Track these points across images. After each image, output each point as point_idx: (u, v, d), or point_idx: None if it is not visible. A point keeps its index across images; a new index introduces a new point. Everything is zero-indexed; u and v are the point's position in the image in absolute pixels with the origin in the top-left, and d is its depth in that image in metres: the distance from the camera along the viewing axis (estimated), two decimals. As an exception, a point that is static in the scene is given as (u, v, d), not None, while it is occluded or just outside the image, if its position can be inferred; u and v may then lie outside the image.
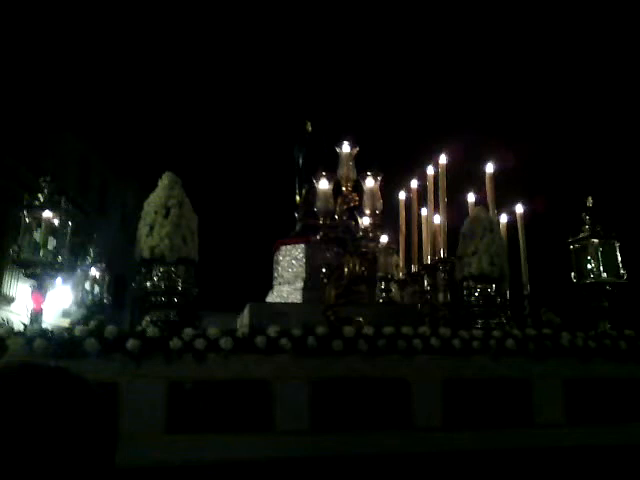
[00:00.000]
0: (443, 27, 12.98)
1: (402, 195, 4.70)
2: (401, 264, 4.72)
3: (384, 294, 4.72)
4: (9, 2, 11.44)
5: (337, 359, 3.10)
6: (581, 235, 4.22)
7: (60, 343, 2.81)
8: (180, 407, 2.92)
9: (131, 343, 2.83)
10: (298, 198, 5.32)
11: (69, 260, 3.71)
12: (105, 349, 2.84)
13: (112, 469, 0.90)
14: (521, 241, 4.32)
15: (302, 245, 4.87)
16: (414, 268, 4.46)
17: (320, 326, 3.14)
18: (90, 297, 5.30)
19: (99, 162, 17.31)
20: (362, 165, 3.79)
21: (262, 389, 2.99)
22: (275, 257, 5.06)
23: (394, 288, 4.79)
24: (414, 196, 4.52)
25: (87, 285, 5.33)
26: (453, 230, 4.09)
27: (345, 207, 3.65)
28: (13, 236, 3.76)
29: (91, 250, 5.59)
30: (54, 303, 6.03)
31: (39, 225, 3.49)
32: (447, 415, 3.19)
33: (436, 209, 4.19)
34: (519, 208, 4.45)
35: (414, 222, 4.48)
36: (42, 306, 3.46)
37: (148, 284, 3.28)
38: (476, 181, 4.43)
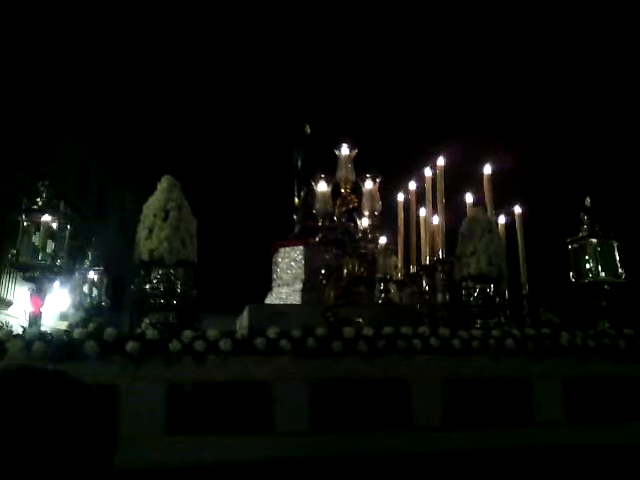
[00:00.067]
0: (441, 29, 13.01)
1: (401, 196, 4.71)
2: (400, 265, 4.73)
3: (383, 295, 4.72)
4: (9, 6, 11.45)
5: (337, 360, 3.10)
6: (579, 235, 4.22)
7: (59, 346, 2.81)
8: (180, 409, 2.92)
9: (130, 345, 2.84)
10: (297, 200, 5.33)
11: (68, 263, 3.71)
12: (104, 352, 2.85)
13: (111, 471, 0.90)
14: (519, 241, 4.33)
15: (301, 247, 4.88)
16: (413, 269, 4.47)
17: (320, 327, 3.15)
18: (88, 300, 5.29)
19: (97, 166, 17.32)
20: (361, 167, 3.80)
21: (262, 390, 3.00)
22: (274, 259, 5.07)
23: (393, 289, 4.80)
24: (412, 197, 4.53)
25: (85, 288, 5.32)
26: (451, 231, 4.10)
27: (344, 209, 3.65)
28: (11, 240, 3.76)
29: (89, 253, 5.59)
30: (52, 306, 6.02)
31: (38, 229, 3.49)
32: (447, 415, 3.19)
33: (434, 210, 4.20)
34: (517, 208, 4.46)
35: (412, 223, 4.49)
36: (41, 309, 3.46)
37: (147, 287, 3.28)
38: (474, 182, 4.45)
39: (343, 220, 3.68)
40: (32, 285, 3.50)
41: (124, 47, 14.04)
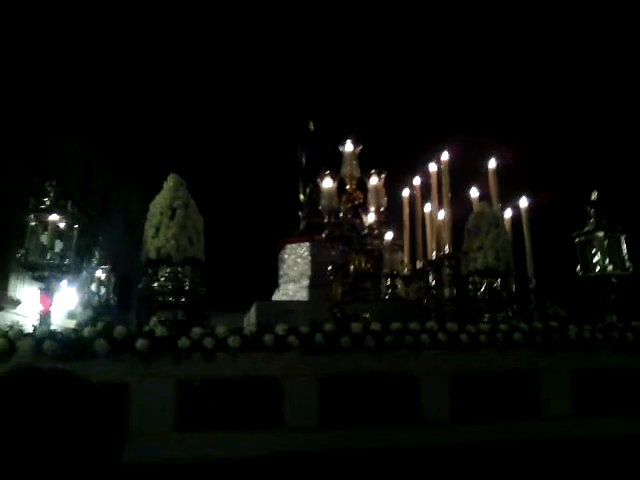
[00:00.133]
0: (444, 24, 12.96)
1: (406, 192, 4.71)
2: (406, 260, 4.73)
3: (390, 290, 4.73)
4: (12, 7, 11.48)
5: (345, 355, 3.11)
6: (586, 228, 4.21)
7: (69, 345, 2.83)
8: (189, 405, 2.94)
9: (140, 343, 2.85)
10: (302, 197, 5.33)
11: (75, 262, 3.73)
12: (114, 350, 2.86)
13: (118, 469, 0.91)
14: (526, 235, 4.32)
15: (307, 243, 4.89)
16: (419, 264, 4.47)
17: (327, 323, 3.15)
18: (96, 298, 5.33)
19: (101, 166, 17.37)
20: (366, 163, 3.80)
21: (271, 386, 3.01)
22: (280, 255, 5.08)
23: (400, 284, 4.80)
24: (418, 193, 4.53)
25: (93, 287, 5.36)
26: (457, 226, 4.10)
27: (349, 205, 3.65)
28: (19, 239, 3.78)
29: (96, 252, 5.62)
30: (60, 305, 6.06)
31: (46, 228, 3.51)
32: (455, 409, 3.20)
33: (440, 205, 4.20)
34: (523, 202, 4.45)
35: (418, 218, 4.49)
36: (50, 308, 3.49)
37: (155, 285, 3.30)
38: (479, 176, 4.44)
39: (349, 216, 3.68)
40: (41, 284, 3.52)
41: (127, 46, 14.05)
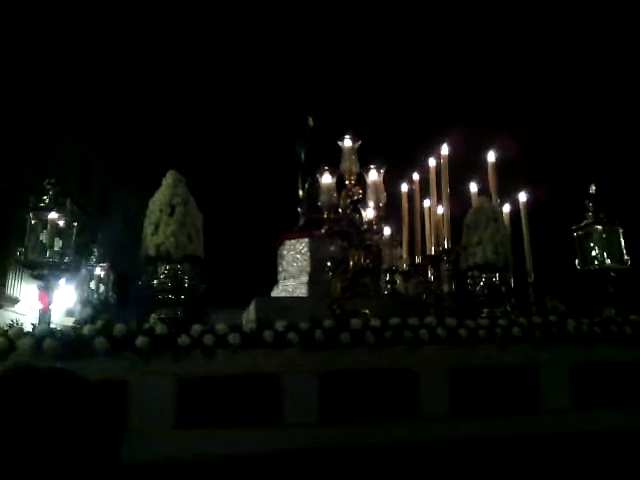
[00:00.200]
0: (442, 17, 12.93)
1: (404, 187, 4.71)
2: (405, 255, 4.73)
3: (389, 286, 4.73)
4: (10, 6, 11.43)
5: (344, 351, 3.11)
6: (584, 222, 4.21)
7: (69, 343, 2.83)
8: (189, 403, 2.94)
9: (140, 341, 2.85)
10: (301, 193, 5.33)
11: (75, 260, 3.73)
12: (114, 347, 2.86)
13: (117, 468, 0.91)
14: (524, 229, 4.33)
15: (306, 239, 4.89)
16: (418, 259, 4.48)
17: (327, 319, 3.16)
18: (95, 296, 5.33)
19: (100, 164, 17.36)
20: (364, 158, 3.79)
21: (271, 383, 3.02)
22: (279, 252, 5.08)
23: (399, 280, 4.81)
24: (416, 188, 4.53)
25: (92, 284, 5.36)
26: (456, 220, 4.10)
27: (349, 200, 3.65)
28: (18, 238, 3.78)
29: (95, 250, 5.62)
30: (58, 303, 6.07)
31: (45, 227, 3.51)
32: (454, 404, 3.21)
33: (439, 200, 4.20)
34: (522, 196, 4.45)
35: (417, 213, 4.49)
36: (49, 306, 3.49)
37: (155, 282, 3.30)
38: (478, 170, 4.44)
39: (348, 212, 3.68)
40: (40, 282, 3.52)
41: (125, 45, 14.01)
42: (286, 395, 3.01)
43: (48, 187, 3.61)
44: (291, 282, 4.80)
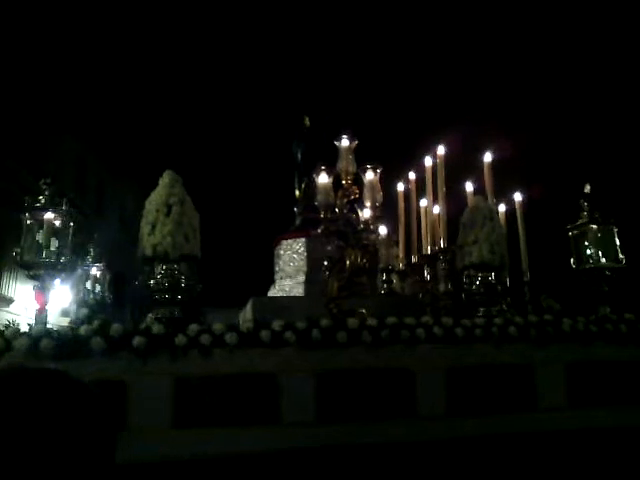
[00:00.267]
0: (438, 18, 12.94)
1: (400, 186, 4.72)
2: (401, 255, 4.74)
3: (385, 285, 4.74)
4: (8, 6, 11.40)
5: (341, 351, 3.12)
6: (580, 221, 4.24)
7: (66, 343, 2.82)
8: (187, 402, 2.94)
9: (137, 340, 2.85)
10: (298, 193, 5.33)
11: (71, 260, 3.72)
12: (111, 347, 2.86)
13: (111, 469, 0.91)
14: (520, 229, 4.35)
15: (302, 239, 4.89)
16: (414, 259, 4.49)
17: (324, 319, 3.16)
18: (92, 296, 5.32)
19: (96, 163, 17.31)
20: (361, 158, 3.80)
21: (268, 382, 3.02)
22: (276, 251, 5.08)
23: (395, 279, 4.82)
24: (412, 187, 4.54)
25: (88, 284, 5.35)
26: (452, 220, 4.11)
27: (345, 200, 3.66)
28: (13, 238, 3.77)
29: (91, 250, 5.60)
30: (54, 303, 6.05)
31: (41, 227, 3.50)
32: (451, 403, 3.22)
33: (435, 199, 4.21)
34: (517, 196, 4.47)
35: (413, 213, 4.50)
36: (46, 307, 3.48)
37: (151, 282, 3.29)
38: (474, 170, 4.45)
39: (344, 211, 3.69)
40: (37, 283, 3.51)
41: (120, 42, 13.97)
42: (283, 394, 3.01)
43: (44, 187, 3.60)
44: (288, 282, 4.81)
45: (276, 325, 3.05)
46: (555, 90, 12.63)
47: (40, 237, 3.47)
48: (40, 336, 2.80)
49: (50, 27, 12.79)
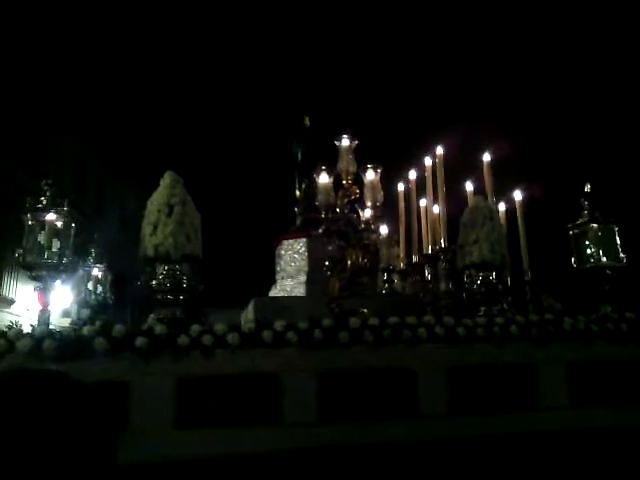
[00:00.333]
0: (437, 18, 12.94)
1: (400, 186, 4.73)
2: (401, 255, 4.75)
3: (386, 285, 4.75)
4: (8, 5, 11.39)
5: (343, 350, 3.12)
6: (580, 220, 4.24)
7: (68, 344, 2.83)
8: (189, 403, 2.94)
9: (139, 341, 2.85)
10: (298, 193, 5.34)
11: (73, 261, 3.73)
12: (113, 348, 2.86)
13: (113, 470, 0.91)
14: (521, 228, 4.35)
15: (303, 239, 4.90)
16: (415, 258, 4.50)
17: (325, 318, 3.17)
18: (93, 297, 5.32)
19: (96, 163, 17.31)
20: (361, 158, 3.80)
21: (270, 382, 3.02)
22: (277, 252, 5.09)
23: (396, 279, 4.83)
24: (413, 187, 4.55)
25: (90, 285, 5.35)
26: (452, 219, 4.12)
27: (346, 200, 3.66)
28: (11, 238, 3.78)
29: (92, 250, 5.61)
30: (55, 303, 6.06)
31: (43, 228, 3.51)
32: (452, 402, 3.22)
33: (435, 199, 4.22)
34: (518, 195, 4.48)
35: (413, 213, 4.51)
36: (48, 307, 3.49)
37: (153, 282, 3.30)
38: (474, 170, 4.46)
39: (345, 211, 3.69)
40: (38, 284, 3.52)
41: (121, 42, 13.97)
42: (285, 394, 3.01)
43: (45, 188, 3.60)
44: (289, 282, 4.81)
45: (278, 325, 3.06)
46: (555, 90, 12.63)
47: (42, 238, 3.48)
48: (43, 337, 2.81)
49: (50, 27, 12.79)
